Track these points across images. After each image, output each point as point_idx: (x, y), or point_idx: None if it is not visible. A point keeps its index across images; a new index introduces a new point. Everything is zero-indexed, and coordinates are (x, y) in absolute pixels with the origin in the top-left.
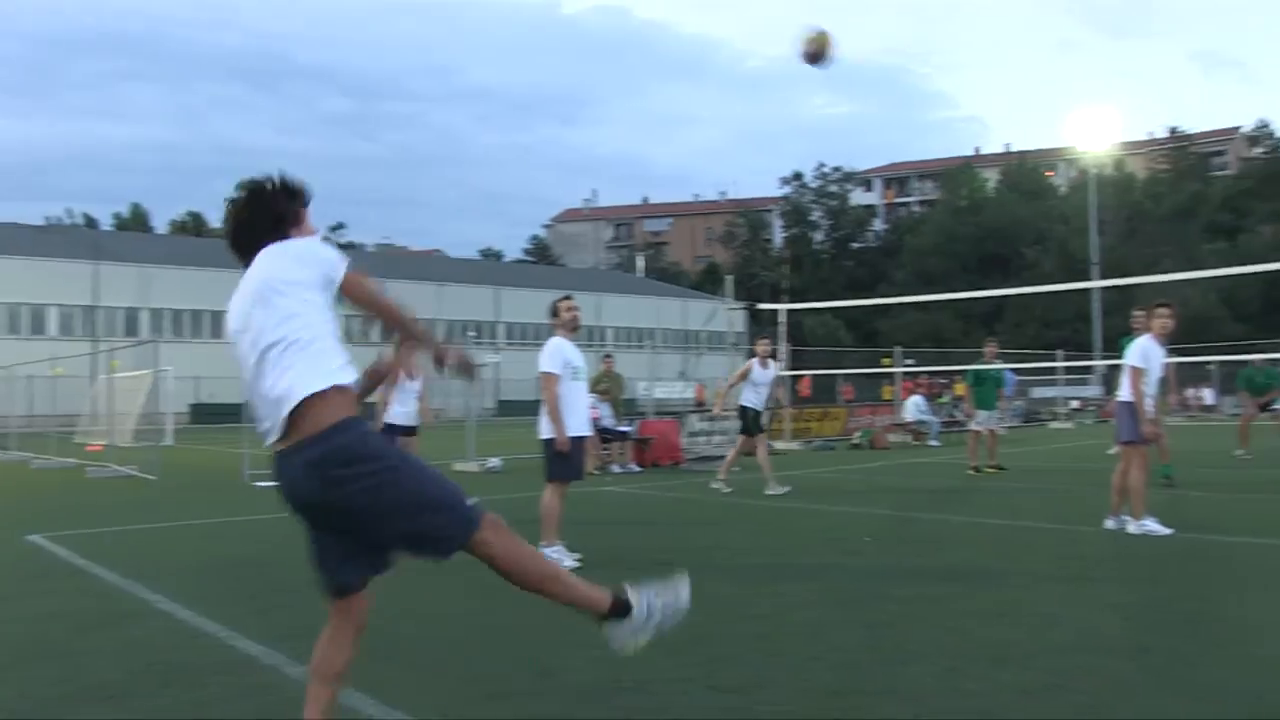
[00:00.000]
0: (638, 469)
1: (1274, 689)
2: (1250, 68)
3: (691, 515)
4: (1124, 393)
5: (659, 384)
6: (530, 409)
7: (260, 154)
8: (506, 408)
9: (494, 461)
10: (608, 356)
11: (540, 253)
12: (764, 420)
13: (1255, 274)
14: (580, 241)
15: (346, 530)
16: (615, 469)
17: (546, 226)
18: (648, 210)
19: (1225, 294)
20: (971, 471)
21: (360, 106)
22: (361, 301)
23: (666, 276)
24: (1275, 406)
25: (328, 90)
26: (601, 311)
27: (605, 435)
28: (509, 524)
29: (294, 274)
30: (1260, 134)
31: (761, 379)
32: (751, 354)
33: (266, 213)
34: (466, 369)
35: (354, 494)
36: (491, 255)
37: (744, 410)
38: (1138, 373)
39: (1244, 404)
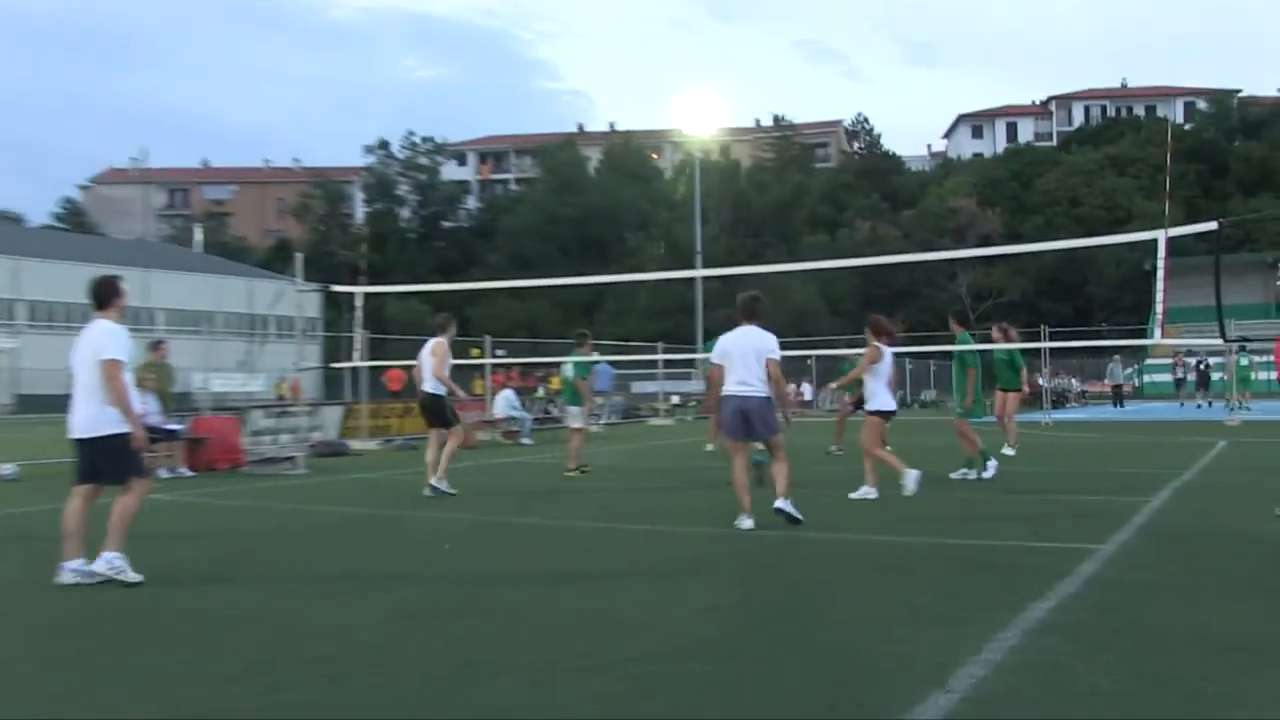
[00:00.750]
0: (190, 473)
1: (850, 681)
2: (851, 61)
3: (252, 525)
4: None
5: (217, 375)
6: (59, 404)
7: None
8: (28, 403)
9: (7, 469)
10: (159, 343)
11: (74, 219)
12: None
13: (852, 269)
14: (125, 207)
15: None
16: (163, 473)
17: (83, 188)
18: (209, 175)
19: (825, 287)
20: (571, 473)
21: None
22: None
23: (230, 252)
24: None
25: None
26: (150, 291)
27: (153, 434)
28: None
29: None
30: (859, 128)
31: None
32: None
33: None
34: None
35: None
36: (10, 219)
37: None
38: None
39: (839, 401)
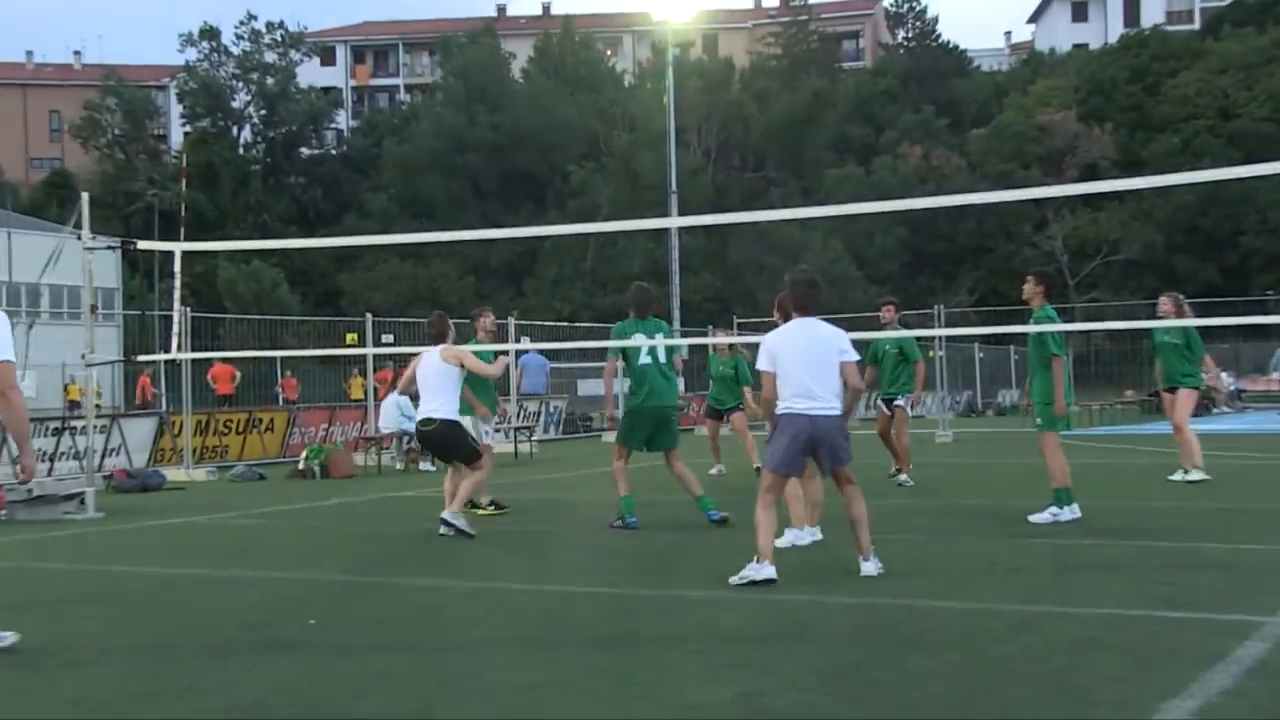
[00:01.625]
0: None
1: None
2: None
3: (13, 596)
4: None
5: None
6: None
7: None
8: None
9: None
10: None
11: None
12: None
13: (894, 214)
14: None
15: None
16: None
17: None
18: None
19: (855, 242)
20: (484, 510)
21: None
22: None
23: None
24: (898, 403)
25: None
26: None
27: None
28: None
29: None
30: (904, 9)
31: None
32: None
33: None
34: None
35: None
36: None
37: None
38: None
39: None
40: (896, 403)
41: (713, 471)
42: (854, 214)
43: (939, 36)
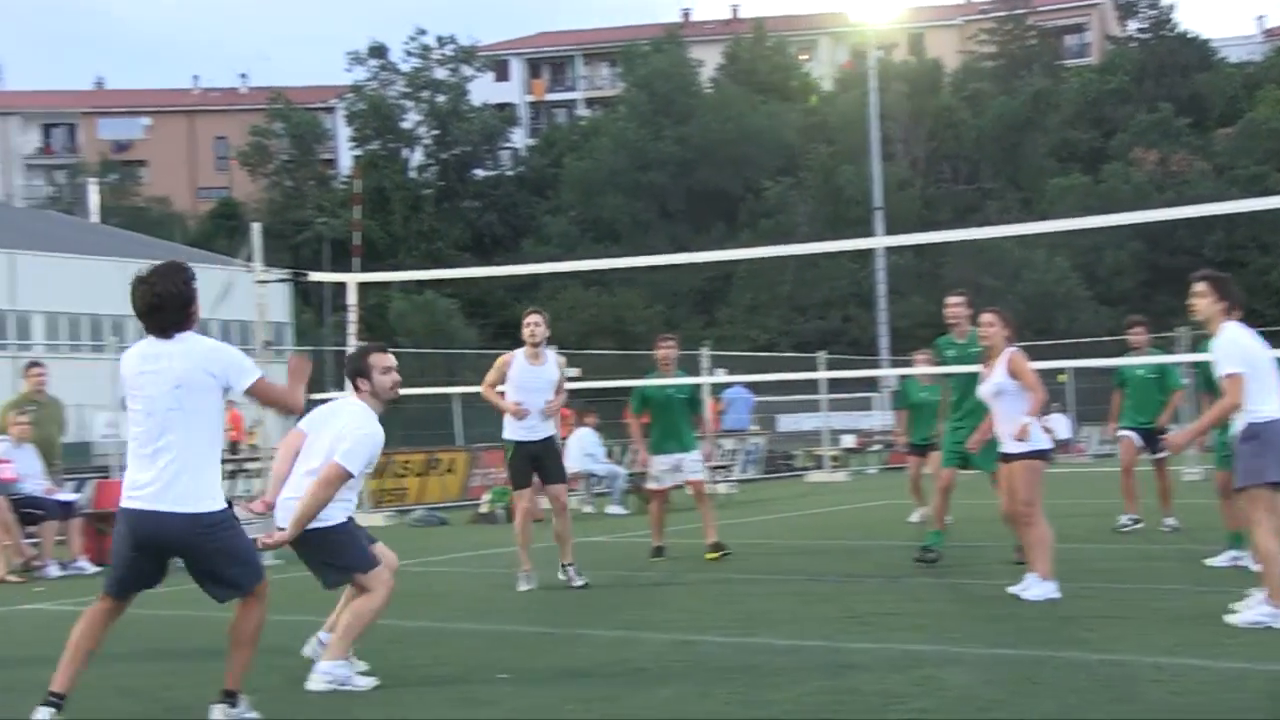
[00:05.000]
0: (93, 568)
1: None
2: None
3: (197, 643)
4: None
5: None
6: None
7: None
8: None
9: None
10: (35, 366)
11: None
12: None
13: (1128, 228)
14: None
15: None
16: (52, 569)
17: None
18: (107, 101)
19: (1083, 258)
20: (661, 553)
21: None
22: None
23: (144, 222)
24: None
25: None
26: (17, 284)
27: (31, 510)
28: None
29: None
30: (1137, 0)
31: (531, 382)
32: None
33: None
34: None
35: None
36: None
37: (506, 447)
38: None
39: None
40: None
41: (914, 518)
42: (1081, 228)
43: (1177, 26)
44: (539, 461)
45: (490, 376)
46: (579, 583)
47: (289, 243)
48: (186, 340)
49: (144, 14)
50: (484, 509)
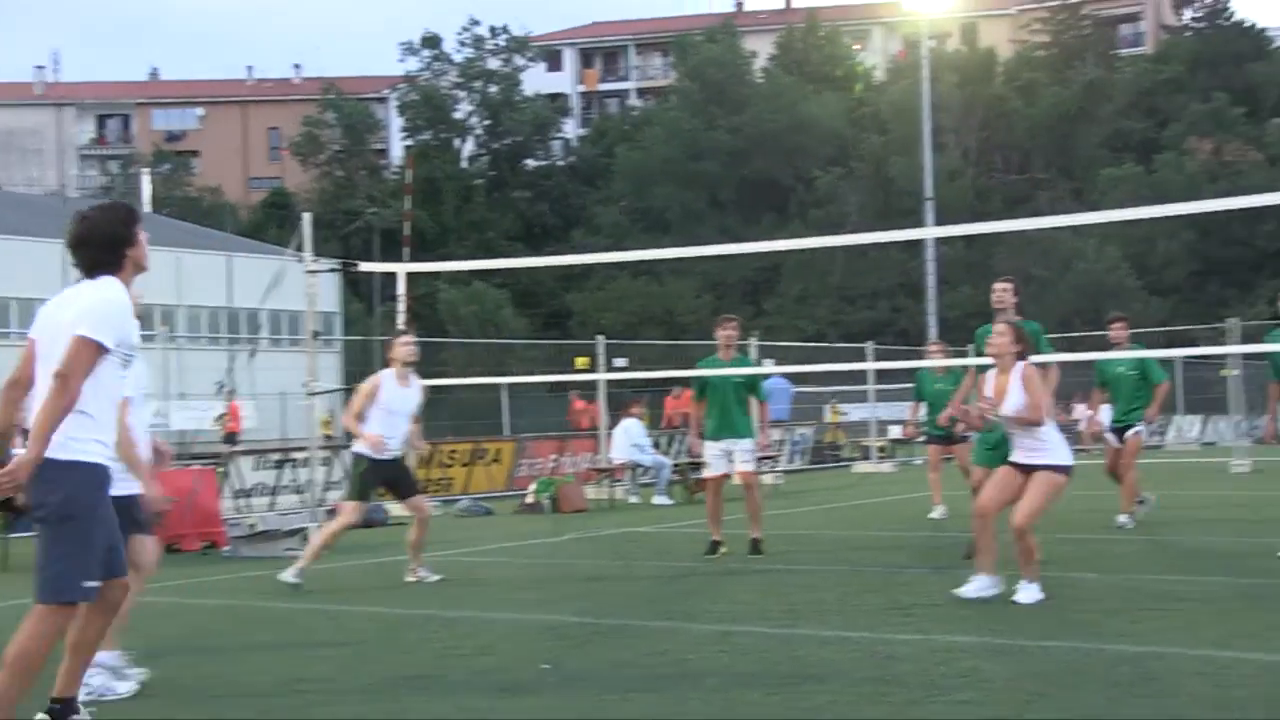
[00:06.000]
0: None
1: None
2: None
3: (244, 637)
4: None
5: (181, 404)
6: None
7: None
8: None
9: None
10: None
11: None
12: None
13: (1181, 219)
14: (27, 143)
15: None
16: None
17: None
18: (160, 91)
19: (1135, 248)
20: (716, 549)
21: None
22: None
23: (196, 211)
24: (1137, 429)
25: None
26: (67, 274)
27: None
28: None
29: None
30: None
31: (397, 404)
32: (383, 359)
33: None
34: None
35: None
36: None
37: (356, 461)
38: None
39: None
40: (1136, 430)
41: (934, 515)
42: (1134, 218)
43: (1232, 15)
44: (393, 481)
45: (356, 404)
46: (433, 578)
47: (339, 232)
48: (95, 286)
49: (199, 5)
50: (530, 499)
